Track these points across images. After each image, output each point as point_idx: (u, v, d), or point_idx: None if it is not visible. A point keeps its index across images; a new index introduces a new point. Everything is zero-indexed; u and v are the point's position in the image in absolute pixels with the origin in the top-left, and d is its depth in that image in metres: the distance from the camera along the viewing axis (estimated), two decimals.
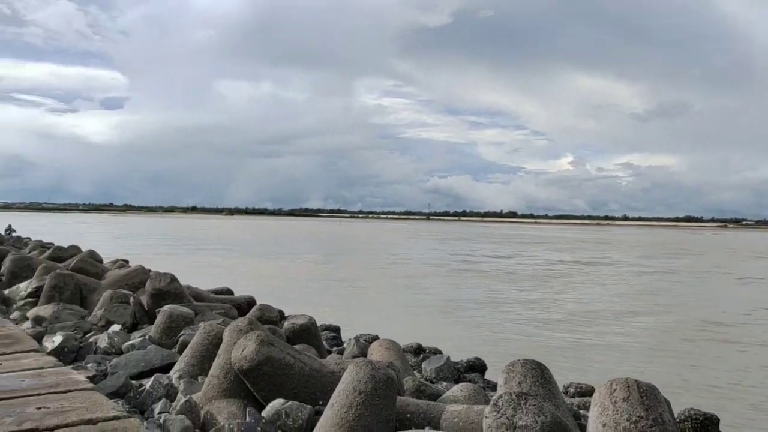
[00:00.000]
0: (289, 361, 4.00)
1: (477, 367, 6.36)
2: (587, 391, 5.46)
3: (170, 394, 4.24)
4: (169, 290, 6.27)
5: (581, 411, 4.58)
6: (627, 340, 11.94)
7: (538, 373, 3.63)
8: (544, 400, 3.24)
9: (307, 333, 5.84)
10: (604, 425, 2.87)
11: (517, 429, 2.74)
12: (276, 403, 3.71)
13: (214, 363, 4.25)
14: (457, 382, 5.63)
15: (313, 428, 3.51)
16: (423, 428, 3.52)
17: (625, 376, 3.12)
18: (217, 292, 9.31)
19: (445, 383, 5.40)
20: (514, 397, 2.88)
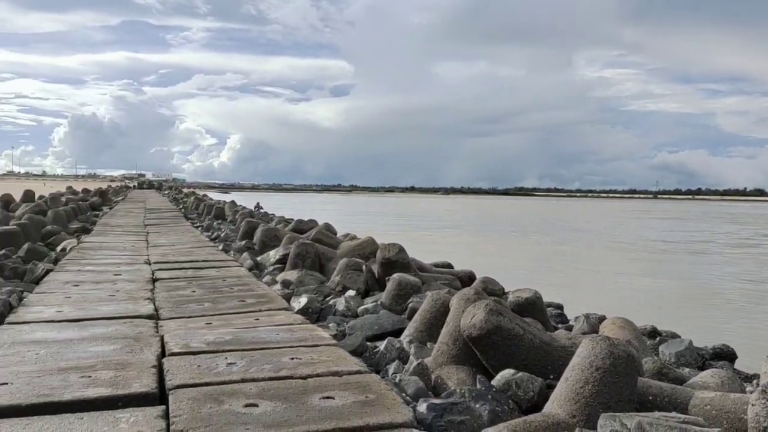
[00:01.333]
0: (519, 332, 3.92)
1: (725, 354, 5.68)
2: None
3: (402, 356, 4.42)
4: (398, 260, 6.56)
5: None
6: None
7: None
8: None
9: (533, 307, 5.71)
10: None
11: None
12: (506, 373, 3.67)
13: (443, 330, 4.34)
14: (701, 369, 5.10)
15: (544, 401, 3.41)
16: (669, 412, 3.22)
17: None
18: (437, 265, 9.54)
19: (687, 369, 4.91)
20: None
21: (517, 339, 3.86)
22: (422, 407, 3.14)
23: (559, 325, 6.68)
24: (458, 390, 3.60)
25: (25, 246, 8.48)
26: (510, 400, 3.51)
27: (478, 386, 3.59)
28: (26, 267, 7.16)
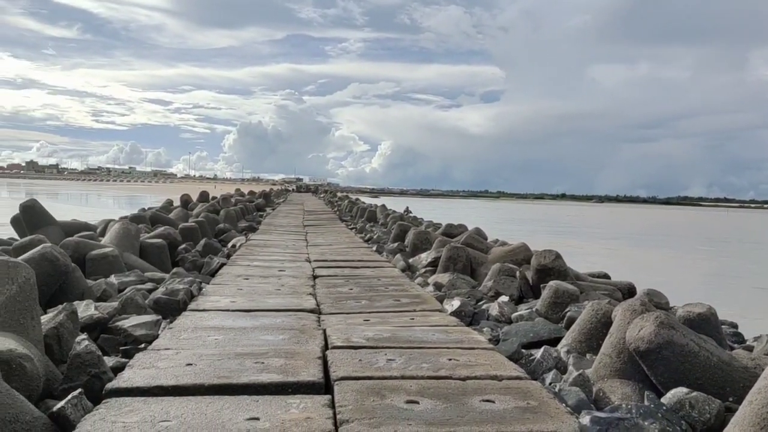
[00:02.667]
0: (693, 348, 3.63)
1: None
2: None
3: (559, 366, 4.26)
4: (554, 267, 6.35)
5: None
6: None
7: None
8: None
9: (706, 324, 5.23)
10: None
11: None
12: (678, 392, 3.40)
13: (606, 341, 4.12)
14: None
15: (722, 426, 3.12)
16: None
17: None
18: (593, 275, 9.10)
19: None
20: None
21: (692, 356, 3.57)
22: (585, 419, 3.00)
23: (735, 345, 6.08)
24: (624, 405, 3.40)
25: (202, 241, 9.32)
26: (683, 420, 3.26)
27: (647, 403, 3.37)
28: (203, 260, 7.87)
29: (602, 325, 4.59)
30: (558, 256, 6.44)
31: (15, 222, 10.13)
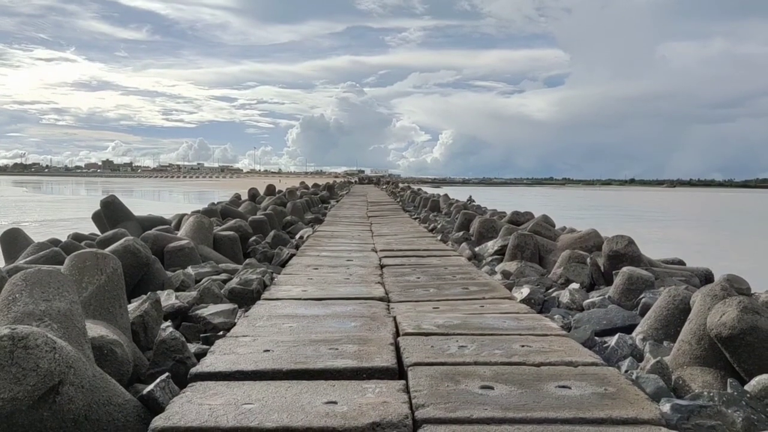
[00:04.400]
0: None
1: None
2: None
3: (635, 354, 4.16)
4: (627, 252, 6.18)
5: None
6: None
7: None
8: None
9: None
10: None
11: None
12: (763, 379, 3.27)
13: (685, 328, 4.00)
14: None
15: None
16: None
17: None
18: (667, 262, 8.79)
19: None
20: None
21: None
22: (666, 407, 2.93)
23: None
24: (706, 393, 3.30)
25: (272, 233, 9.56)
26: None
27: (729, 390, 3.26)
28: (273, 251, 8.08)
29: (680, 311, 4.45)
30: (631, 242, 6.26)
31: (96, 218, 10.68)
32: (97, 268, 3.67)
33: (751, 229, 30.48)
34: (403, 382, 2.97)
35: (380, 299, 5.02)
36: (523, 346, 3.55)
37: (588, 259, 6.53)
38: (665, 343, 4.32)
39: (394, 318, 4.30)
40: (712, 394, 3.26)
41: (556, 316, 5.03)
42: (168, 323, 3.62)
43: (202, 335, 4.13)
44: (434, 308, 4.67)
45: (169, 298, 4.52)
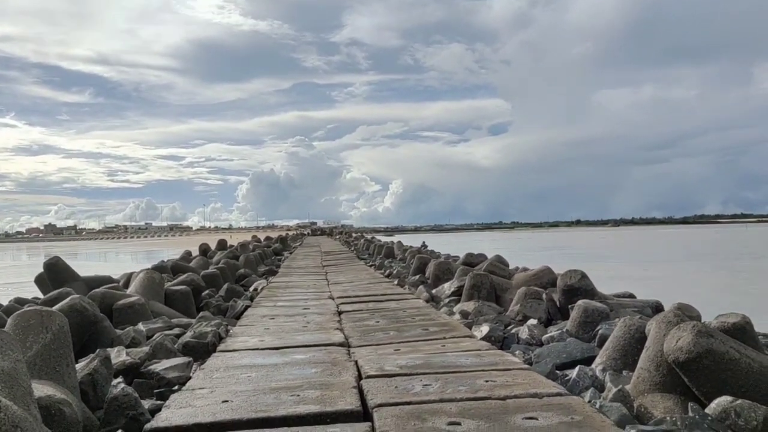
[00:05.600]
0: (734, 355, 3.56)
1: None
2: None
3: (596, 384, 4.19)
4: (581, 286, 6.29)
5: None
6: None
7: None
8: None
9: (742, 334, 5.10)
10: None
11: None
12: (723, 401, 3.32)
13: (642, 355, 4.06)
14: None
15: None
16: None
17: None
18: (618, 295, 8.99)
19: None
20: None
21: (733, 363, 3.51)
22: None
23: None
24: (668, 418, 3.33)
25: (225, 286, 9.36)
26: (729, 429, 3.18)
27: (691, 414, 3.30)
28: (227, 304, 7.89)
29: (636, 340, 4.52)
30: (584, 276, 6.39)
31: (39, 281, 10.23)
32: (41, 326, 3.50)
33: (696, 263, 31.56)
34: (369, 423, 2.90)
35: (340, 344, 4.94)
36: (487, 381, 3.53)
37: (544, 295, 6.61)
38: (624, 372, 4.36)
39: (356, 362, 4.22)
40: (674, 418, 3.29)
41: (516, 352, 5.04)
42: (119, 379, 3.45)
43: (156, 391, 3.95)
44: (395, 350, 4.61)
45: (119, 355, 4.33)
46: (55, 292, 6.61)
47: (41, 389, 3.03)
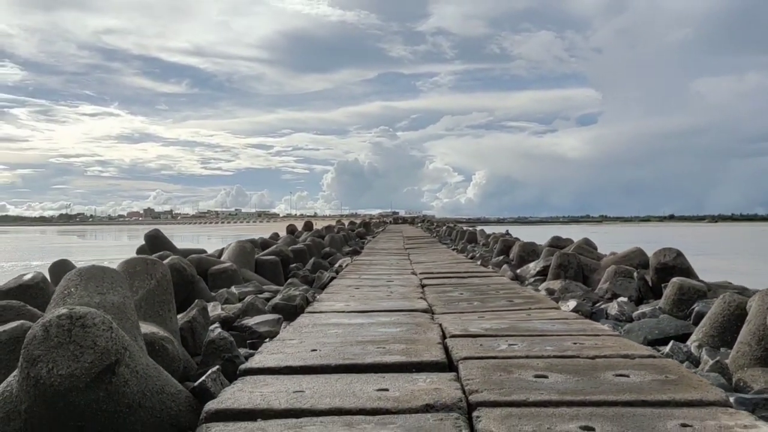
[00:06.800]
0: None
1: None
2: None
3: (691, 360, 4.02)
4: (676, 264, 6.02)
5: None
6: None
7: None
8: None
9: None
10: None
11: None
12: None
13: (743, 330, 3.85)
14: None
15: None
16: None
17: None
18: (716, 284, 8.53)
19: None
20: None
21: None
22: (730, 401, 2.81)
23: None
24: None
25: (311, 260, 9.62)
26: None
27: None
28: (314, 275, 8.10)
29: (736, 317, 4.30)
30: (680, 254, 6.11)
31: (140, 251, 10.90)
32: (146, 273, 3.73)
33: None
34: (454, 374, 2.92)
35: (424, 311, 4.97)
36: (575, 343, 3.46)
37: (635, 274, 6.38)
38: (722, 350, 4.16)
39: (440, 324, 4.24)
40: None
41: (605, 326, 4.90)
42: (216, 324, 3.64)
43: (248, 342, 4.13)
44: (480, 317, 4.59)
45: (215, 309, 4.56)
46: (157, 254, 7.02)
47: (146, 328, 3.24)
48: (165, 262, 5.52)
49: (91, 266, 3.08)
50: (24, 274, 4.70)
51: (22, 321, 3.02)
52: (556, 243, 10.39)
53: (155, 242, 10.20)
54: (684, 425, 2.12)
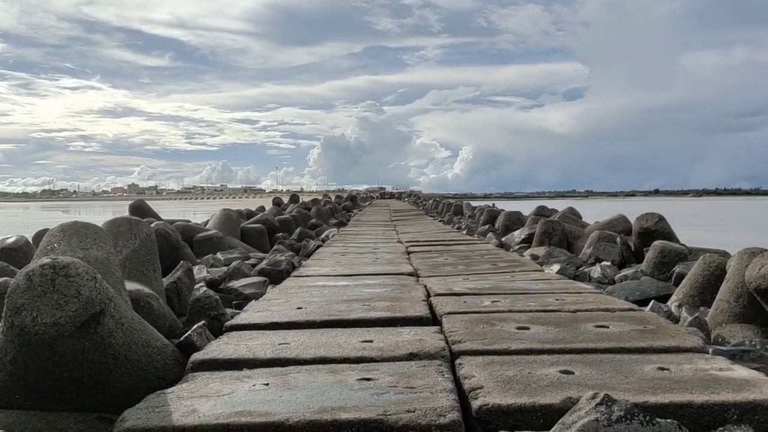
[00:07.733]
0: None
1: None
2: None
3: (671, 319, 4.09)
4: (657, 229, 6.09)
5: None
6: None
7: None
8: None
9: None
10: None
11: None
12: None
13: (722, 287, 3.93)
14: None
15: None
16: None
17: None
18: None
19: None
20: None
21: None
22: (707, 348, 2.88)
23: None
24: (747, 342, 3.25)
25: (297, 230, 9.63)
26: None
27: None
28: (300, 244, 8.12)
29: (716, 277, 4.37)
30: (661, 218, 6.18)
31: None
32: (130, 233, 3.72)
33: None
34: (438, 327, 2.96)
35: (409, 274, 5.01)
36: (557, 299, 3.52)
37: (618, 239, 6.45)
38: (702, 309, 4.24)
39: (424, 285, 4.28)
40: (754, 342, 3.21)
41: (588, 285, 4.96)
42: (202, 284, 3.65)
43: (234, 302, 4.15)
44: (464, 279, 4.64)
45: (200, 272, 4.57)
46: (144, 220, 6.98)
47: (131, 285, 3.24)
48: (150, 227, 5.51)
49: (74, 222, 3.06)
50: (6, 238, 4.66)
51: (5, 278, 3.01)
52: (542, 212, 10.47)
53: (140, 213, 10.12)
54: (661, 368, 2.17)
